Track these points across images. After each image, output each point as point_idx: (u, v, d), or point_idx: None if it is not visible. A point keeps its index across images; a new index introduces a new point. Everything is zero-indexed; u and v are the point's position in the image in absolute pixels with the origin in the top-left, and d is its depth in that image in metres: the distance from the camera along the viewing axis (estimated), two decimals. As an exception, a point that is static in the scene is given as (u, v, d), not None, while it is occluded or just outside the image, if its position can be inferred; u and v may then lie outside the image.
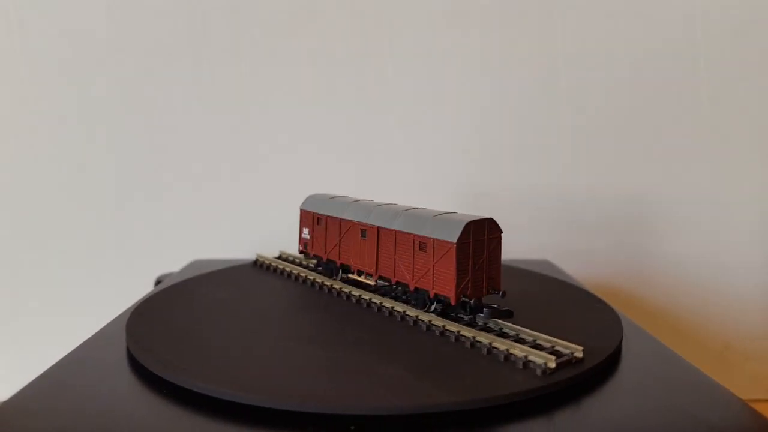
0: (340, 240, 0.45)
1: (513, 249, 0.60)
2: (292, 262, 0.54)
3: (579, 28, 0.65)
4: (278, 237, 0.58)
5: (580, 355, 0.32)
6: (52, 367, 0.32)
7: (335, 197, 0.47)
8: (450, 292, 0.35)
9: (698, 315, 0.68)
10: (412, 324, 0.37)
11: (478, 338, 0.33)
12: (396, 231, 0.39)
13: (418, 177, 0.67)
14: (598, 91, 0.66)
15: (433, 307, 0.38)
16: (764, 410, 0.28)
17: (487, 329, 0.36)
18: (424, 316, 0.37)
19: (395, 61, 0.66)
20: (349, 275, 0.45)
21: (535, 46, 0.65)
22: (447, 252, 0.35)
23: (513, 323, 0.36)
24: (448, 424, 0.26)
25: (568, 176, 0.67)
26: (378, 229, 0.41)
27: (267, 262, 0.53)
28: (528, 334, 0.35)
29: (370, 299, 0.41)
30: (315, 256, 0.48)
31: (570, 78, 0.66)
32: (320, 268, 0.49)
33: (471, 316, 0.37)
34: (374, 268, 0.41)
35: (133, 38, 0.65)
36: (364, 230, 0.42)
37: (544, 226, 0.68)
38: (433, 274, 0.36)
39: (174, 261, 0.63)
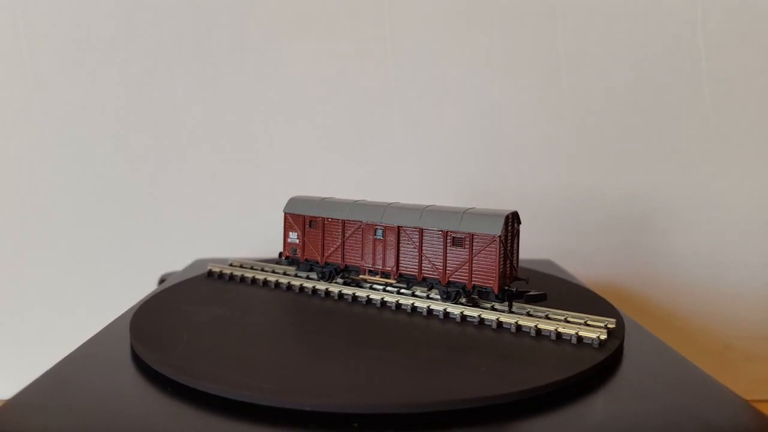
0: (343, 241, 0.44)
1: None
2: (252, 268, 0.50)
3: (581, 30, 0.65)
4: (282, 236, 0.58)
5: (612, 325, 0.35)
6: (57, 365, 0.32)
7: (325, 199, 0.46)
8: (492, 283, 0.37)
9: (699, 315, 0.68)
10: (442, 317, 0.38)
11: (520, 322, 0.35)
12: (422, 228, 0.40)
13: (420, 177, 0.67)
14: (600, 93, 0.66)
15: (462, 299, 0.39)
16: (765, 411, 0.28)
17: (513, 313, 0.38)
18: (454, 308, 0.38)
19: (398, 62, 0.66)
20: (360, 276, 0.44)
21: (537, 47, 0.66)
22: (490, 244, 0.37)
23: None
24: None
25: (571, 176, 0.67)
26: (398, 228, 0.41)
27: (227, 271, 0.49)
28: (556, 313, 0.37)
29: (382, 299, 0.41)
30: (307, 261, 0.46)
31: (572, 79, 0.66)
32: (306, 274, 0.46)
33: (499, 303, 0.39)
34: (394, 266, 0.41)
35: (137, 40, 0.65)
36: (378, 230, 0.42)
37: (546, 226, 0.68)
38: (471, 266, 0.38)
39: (177, 260, 0.63)
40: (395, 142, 0.67)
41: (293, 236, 0.46)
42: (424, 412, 0.26)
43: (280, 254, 0.48)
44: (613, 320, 0.35)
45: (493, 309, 0.38)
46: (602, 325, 0.35)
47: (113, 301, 0.49)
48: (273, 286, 0.46)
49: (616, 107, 0.66)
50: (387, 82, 0.66)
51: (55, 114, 0.66)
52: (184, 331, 0.36)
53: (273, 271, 0.49)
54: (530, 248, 0.66)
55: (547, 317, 0.37)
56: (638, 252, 0.68)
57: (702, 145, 0.66)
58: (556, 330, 0.34)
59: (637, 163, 0.67)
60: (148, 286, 0.59)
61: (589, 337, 0.33)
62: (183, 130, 0.67)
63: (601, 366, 0.31)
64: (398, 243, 0.41)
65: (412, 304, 0.39)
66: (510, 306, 0.38)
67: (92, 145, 0.67)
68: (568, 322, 0.36)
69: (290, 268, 0.49)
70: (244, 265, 0.50)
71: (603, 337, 0.33)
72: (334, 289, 0.43)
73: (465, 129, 0.67)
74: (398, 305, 0.40)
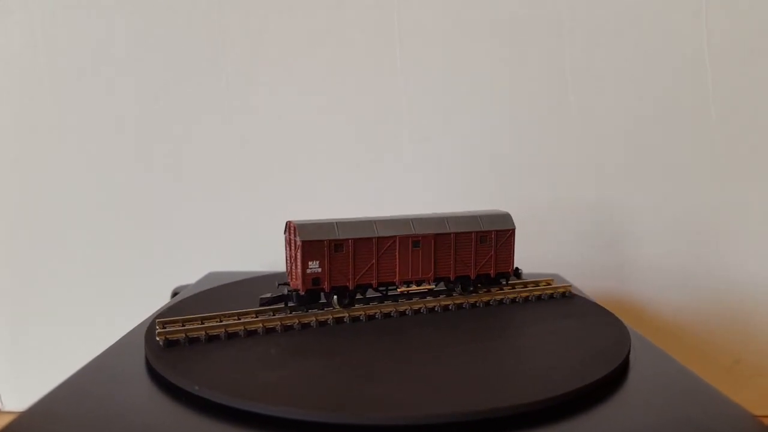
0: (377, 259, 0.43)
1: (523, 262, 0.60)
2: (220, 318, 0.40)
3: (588, 46, 0.66)
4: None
5: (551, 279, 0.51)
6: (73, 375, 0.33)
7: (339, 220, 0.43)
8: (510, 267, 0.47)
9: (708, 330, 0.68)
10: (469, 308, 0.45)
11: (522, 294, 0.47)
12: (454, 233, 0.44)
13: (428, 192, 0.68)
14: (606, 108, 0.67)
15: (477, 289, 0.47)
16: (775, 427, 0.28)
17: (492, 289, 0.48)
18: (474, 298, 0.45)
19: (408, 78, 0.67)
20: (399, 290, 0.44)
21: (544, 63, 0.66)
22: (509, 237, 0.46)
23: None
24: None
25: (578, 191, 0.68)
26: (435, 236, 0.44)
27: (195, 333, 0.37)
28: (520, 283, 0.49)
29: (407, 309, 0.43)
30: (334, 289, 0.42)
31: (579, 95, 0.67)
32: (309, 304, 0.42)
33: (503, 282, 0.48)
34: (432, 272, 0.44)
35: (153, 54, 0.67)
36: (416, 241, 0.43)
37: (553, 240, 0.68)
38: (495, 258, 0.46)
39: (190, 273, 0.64)
40: (404, 156, 0.68)
41: (314, 265, 0.41)
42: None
43: (280, 296, 0.42)
44: (551, 279, 0.51)
45: (490, 291, 0.47)
46: (546, 279, 0.51)
47: (128, 313, 0.49)
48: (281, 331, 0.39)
49: (623, 123, 0.67)
50: (397, 98, 0.67)
51: (71, 126, 0.68)
52: (197, 343, 0.37)
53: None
54: (537, 261, 0.66)
55: (513, 286, 0.48)
56: (645, 266, 0.68)
57: (708, 160, 0.67)
58: (544, 293, 0.47)
59: (643, 178, 0.67)
60: (161, 299, 0.60)
61: (567, 292, 0.48)
62: (197, 143, 0.68)
63: (607, 379, 0.31)
64: (434, 250, 0.44)
65: (440, 303, 0.44)
66: (507, 282, 0.48)
67: (107, 157, 0.68)
68: (543, 286, 0.49)
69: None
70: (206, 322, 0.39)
71: (570, 288, 0.49)
72: (351, 313, 0.42)
73: (473, 143, 0.68)
74: (430, 309, 0.44)
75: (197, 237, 0.69)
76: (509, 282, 0.48)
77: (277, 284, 0.43)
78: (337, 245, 0.41)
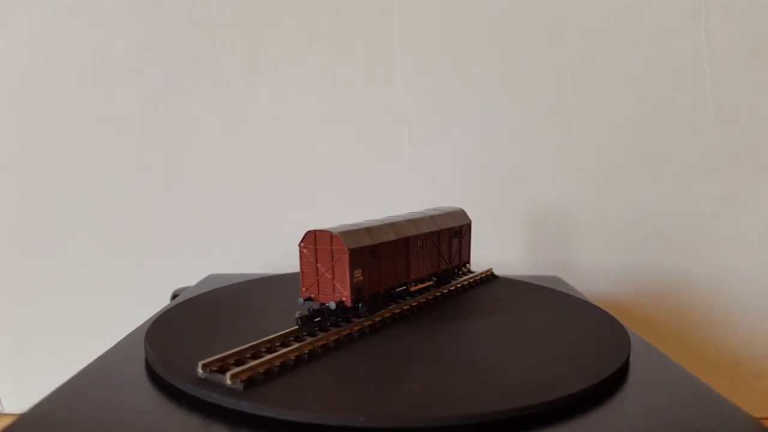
0: (396, 261, 0.42)
1: (523, 265, 0.60)
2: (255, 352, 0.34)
3: (587, 49, 0.66)
4: (294, 251, 0.58)
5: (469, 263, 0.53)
6: (73, 378, 0.33)
7: (364, 225, 0.41)
8: (469, 257, 0.52)
9: (708, 332, 0.68)
10: (448, 296, 0.48)
11: (474, 279, 0.53)
12: (440, 230, 0.47)
13: (428, 196, 0.68)
14: (606, 111, 0.67)
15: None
16: (775, 429, 0.28)
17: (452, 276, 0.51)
18: (449, 286, 0.49)
19: (408, 82, 0.67)
20: (412, 288, 0.45)
21: (544, 66, 0.66)
22: (468, 230, 0.51)
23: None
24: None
25: (578, 194, 0.68)
26: (432, 234, 0.46)
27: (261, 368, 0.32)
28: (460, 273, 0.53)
29: (410, 307, 0.43)
30: (371, 297, 0.40)
31: (579, 98, 0.67)
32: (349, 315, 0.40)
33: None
34: (429, 268, 0.46)
35: (152, 53, 0.67)
36: (421, 240, 0.44)
37: (554, 243, 0.68)
38: (460, 250, 0.50)
39: (190, 275, 0.64)
40: (404, 156, 0.68)
41: (358, 274, 0.39)
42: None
43: (312, 315, 0.38)
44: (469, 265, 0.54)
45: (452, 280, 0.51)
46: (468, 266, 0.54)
47: (128, 315, 0.49)
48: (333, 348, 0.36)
49: (623, 125, 0.67)
50: (397, 98, 0.67)
51: (70, 127, 0.68)
52: (197, 345, 0.36)
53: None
54: (538, 264, 0.66)
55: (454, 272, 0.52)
56: (645, 269, 0.68)
57: (708, 163, 0.67)
58: (482, 275, 0.53)
59: (643, 180, 0.67)
60: (162, 301, 0.60)
61: (492, 273, 0.55)
62: (197, 143, 0.68)
63: (608, 382, 0.31)
64: (431, 247, 0.46)
65: (425, 297, 0.46)
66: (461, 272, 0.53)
67: (107, 157, 0.68)
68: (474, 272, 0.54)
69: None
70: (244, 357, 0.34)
71: (491, 271, 0.55)
72: (374, 320, 0.40)
73: (473, 144, 0.68)
74: (430, 303, 0.46)
75: (197, 238, 0.69)
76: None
77: (302, 301, 0.39)
78: (373, 251, 0.40)
